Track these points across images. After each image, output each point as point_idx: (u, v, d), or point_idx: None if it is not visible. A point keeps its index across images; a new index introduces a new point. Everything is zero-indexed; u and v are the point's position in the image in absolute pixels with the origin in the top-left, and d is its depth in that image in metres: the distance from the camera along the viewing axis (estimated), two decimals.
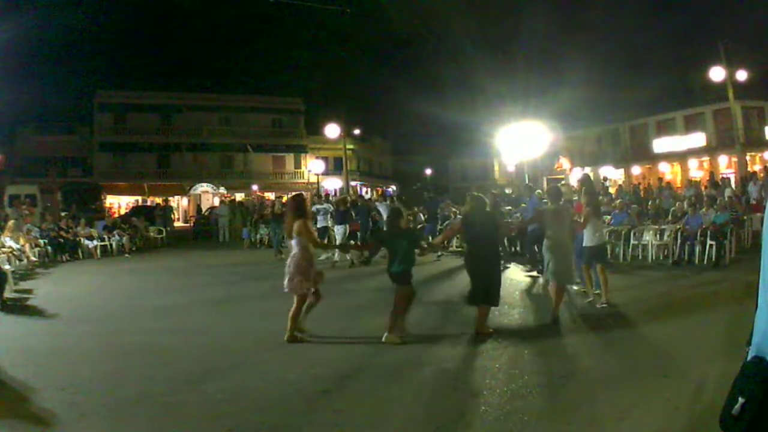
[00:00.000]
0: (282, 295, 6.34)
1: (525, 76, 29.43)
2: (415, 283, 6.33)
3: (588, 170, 37.33)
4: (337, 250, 12.64)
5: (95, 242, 16.82)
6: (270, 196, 34.48)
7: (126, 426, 4.04)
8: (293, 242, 6.34)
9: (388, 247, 6.36)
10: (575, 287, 8.38)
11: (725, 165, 30.96)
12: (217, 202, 33.47)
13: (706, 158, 32.36)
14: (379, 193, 47.82)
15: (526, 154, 17.36)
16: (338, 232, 13.99)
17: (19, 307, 8.64)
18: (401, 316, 6.18)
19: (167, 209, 26.29)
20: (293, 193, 8.15)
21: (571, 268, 7.40)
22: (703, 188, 19.47)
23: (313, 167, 38.89)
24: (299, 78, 68.01)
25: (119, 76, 60.78)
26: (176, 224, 28.75)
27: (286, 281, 6.19)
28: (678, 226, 11.82)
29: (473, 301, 6.45)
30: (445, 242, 13.01)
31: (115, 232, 17.94)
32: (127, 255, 17.03)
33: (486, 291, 6.32)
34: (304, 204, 6.66)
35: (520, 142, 16.51)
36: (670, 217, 13.37)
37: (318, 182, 37.63)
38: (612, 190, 23.37)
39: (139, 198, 38.27)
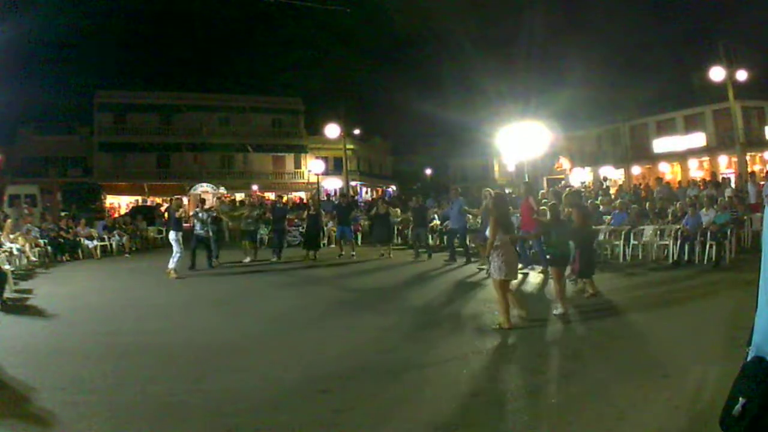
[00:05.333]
0: (282, 296, 6.33)
1: (525, 76, 29.45)
2: (414, 283, 6.33)
3: (588, 170, 37.44)
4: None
5: (95, 242, 16.82)
6: (270, 196, 34.42)
7: (126, 426, 4.03)
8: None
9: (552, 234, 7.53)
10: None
11: (725, 165, 30.95)
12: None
13: (706, 158, 32.36)
14: (379, 193, 47.87)
15: (526, 154, 17.30)
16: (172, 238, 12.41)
17: (19, 307, 8.63)
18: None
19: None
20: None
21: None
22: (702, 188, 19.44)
23: (313, 167, 38.84)
24: (299, 78, 68.00)
25: (119, 76, 60.70)
26: None
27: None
28: (678, 226, 11.82)
29: (586, 274, 8.18)
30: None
31: (115, 232, 17.94)
32: (127, 255, 17.03)
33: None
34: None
35: (520, 142, 16.45)
36: (670, 217, 13.36)
37: (318, 182, 37.62)
38: (612, 190, 23.35)
39: (139, 198, 38.22)
